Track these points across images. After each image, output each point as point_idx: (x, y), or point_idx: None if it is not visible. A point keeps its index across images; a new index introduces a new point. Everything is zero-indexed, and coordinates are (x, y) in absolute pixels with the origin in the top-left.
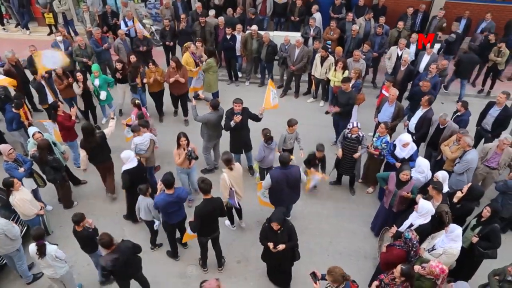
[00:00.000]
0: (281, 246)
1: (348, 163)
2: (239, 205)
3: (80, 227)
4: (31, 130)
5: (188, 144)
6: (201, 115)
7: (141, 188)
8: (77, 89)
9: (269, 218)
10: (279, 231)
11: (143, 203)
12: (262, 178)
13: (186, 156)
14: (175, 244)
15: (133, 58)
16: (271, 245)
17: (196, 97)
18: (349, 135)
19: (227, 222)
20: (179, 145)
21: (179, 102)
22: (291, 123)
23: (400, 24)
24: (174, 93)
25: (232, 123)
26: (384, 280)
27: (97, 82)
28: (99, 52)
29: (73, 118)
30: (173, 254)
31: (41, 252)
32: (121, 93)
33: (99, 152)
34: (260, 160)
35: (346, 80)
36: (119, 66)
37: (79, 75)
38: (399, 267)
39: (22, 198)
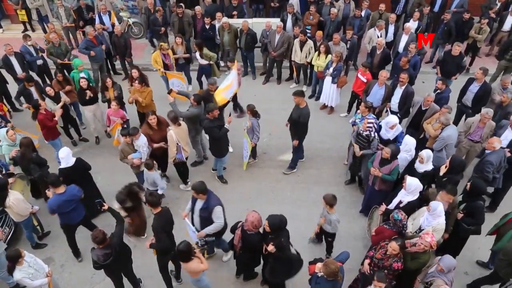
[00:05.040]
0: (270, 247)
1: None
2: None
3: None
4: (3, 130)
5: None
6: (186, 111)
7: (148, 163)
8: (52, 105)
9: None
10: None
11: (150, 178)
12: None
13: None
14: (75, 244)
15: (108, 81)
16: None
17: (170, 92)
18: (361, 131)
19: (182, 185)
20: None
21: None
22: (329, 201)
23: (382, 6)
24: (141, 111)
25: (227, 125)
26: (376, 255)
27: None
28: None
29: (56, 118)
30: (76, 253)
31: (9, 272)
32: (91, 117)
33: None
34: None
35: (298, 93)
36: (83, 83)
37: (49, 89)
38: (394, 244)
39: (16, 198)
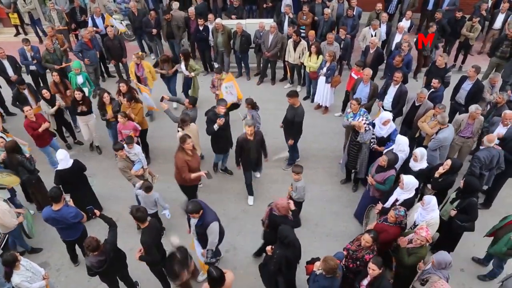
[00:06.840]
0: (268, 247)
1: (353, 154)
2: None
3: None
4: None
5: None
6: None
7: (148, 186)
8: (47, 108)
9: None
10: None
11: (149, 199)
12: None
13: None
14: (74, 253)
15: (105, 97)
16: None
17: (161, 100)
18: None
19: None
20: None
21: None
22: (295, 170)
23: (379, 5)
24: None
25: (216, 126)
26: (351, 248)
27: (80, 79)
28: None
29: (41, 130)
30: (73, 260)
31: (7, 277)
32: (85, 129)
33: None
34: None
35: (292, 94)
36: (78, 95)
37: (45, 92)
38: (367, 237)
39: (1, 209)
